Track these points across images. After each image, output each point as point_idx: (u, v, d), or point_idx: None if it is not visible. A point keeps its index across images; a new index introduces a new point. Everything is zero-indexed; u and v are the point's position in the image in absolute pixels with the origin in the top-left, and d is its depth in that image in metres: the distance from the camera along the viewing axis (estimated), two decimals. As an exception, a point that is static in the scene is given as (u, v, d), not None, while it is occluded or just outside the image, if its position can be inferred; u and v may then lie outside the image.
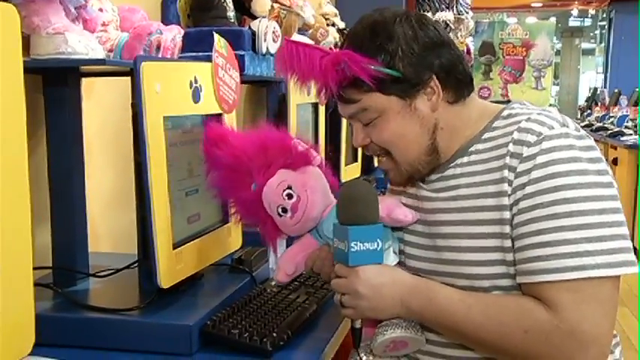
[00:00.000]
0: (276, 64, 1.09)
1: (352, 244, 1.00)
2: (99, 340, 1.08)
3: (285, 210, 1.09)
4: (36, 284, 0.86)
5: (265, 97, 2.21)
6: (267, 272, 1.44)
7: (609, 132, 6.26)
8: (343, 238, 1.01)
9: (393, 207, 1.08)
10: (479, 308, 0.99)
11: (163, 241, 1.11)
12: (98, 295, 1.20)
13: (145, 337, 1.08)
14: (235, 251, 1.41)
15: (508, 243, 1.00)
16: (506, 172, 1.00)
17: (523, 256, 0.98)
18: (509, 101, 1.12)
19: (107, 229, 1.56)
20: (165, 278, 1.12)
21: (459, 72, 1.06)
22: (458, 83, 1.07)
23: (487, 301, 1.01)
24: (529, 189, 0.97)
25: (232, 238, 1.41)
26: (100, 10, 1.29)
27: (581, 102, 10.02)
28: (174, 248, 1.15)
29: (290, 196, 1.09)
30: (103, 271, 1.27)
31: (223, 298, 1.20)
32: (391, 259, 1.10)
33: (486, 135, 1.06)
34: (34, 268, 0.83)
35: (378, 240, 1.02)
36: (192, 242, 1.22)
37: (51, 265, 1.24)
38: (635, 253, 0.98)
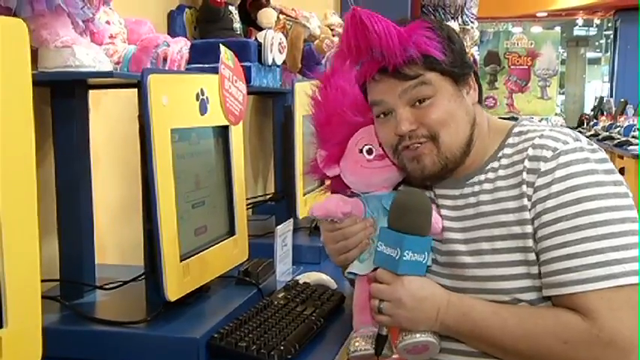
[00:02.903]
0: (344, 31, 1.07)
1: (405, 253, 1.01)
2: (106, 354, 1.08)
3: (370, 151, 1.13)
4: (43, 297, 0.85)
5: (271, 108, 2.21)
6: (274, 284, 1.44)
7: (616, 141, 6.24)
8: (395, 245, 1.01)
9: None
10: (515, 321, 1.01)
11: (170, 253, 1.11)
12: (105, 308, 1.20)
13: (152, 350, 1.07)
14: (242, 263, 1.40)
15: (532, 256, 1.02)
16: (524, 188, 1.03)
17: (550, 268, 0.99)
18: (515, 118, 1.14)
19: (114, 241, 1.56)
20: (173, 291, 1.11)
21: (478, 78, 1.13)
22: (479, 88, 1.13)
23: (522, 313, 1.02)
24: (550, 202, 1.00)
25: (239, 250, 1.40)
26: (108, 22, 1.30)
27: (588, 111, 10.00)
28: (181, 261, 1.15)
29: (370, 152, 1.13)
30: (110, 283, 1.26)
31: (230, 310, 1.20)
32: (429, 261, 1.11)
33: (501, 153, 1.09)
34: (41, 281, 0.83)
35: (426, 253, 1.03)
36: (199, 254, 1.22)
37: (58, 277, 1.24)
38: None
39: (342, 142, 1.15)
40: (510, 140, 1.09)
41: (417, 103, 1.05)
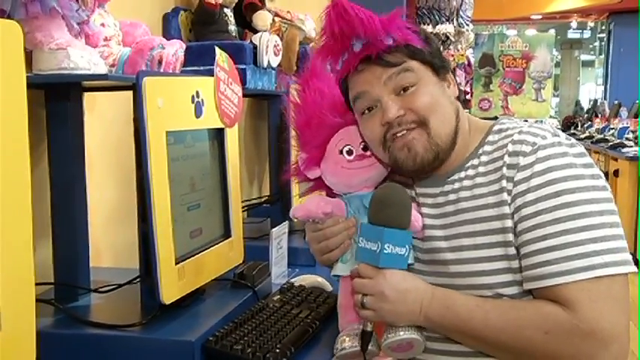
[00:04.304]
0: (325, 20, 1.08)
1: (386, 246, 1.01)
2: (100, 357, 1.07)
3: (350, 152, 1.13)
4: (37, 300, 0.85)
5: (267, 111, 2.21)
6: (270, 287, 1.44)
7: (610, 144, 6.27)
8: (375, 239, 1.02)
9: None
10: (497, 313, 1.01)
11: (165, 256, 1.11)
12: (100, 311, 1.20)
13: (147, 353, 1.07)
14: (237, 266, 1.40)
15: (512, 251, 1.03)
16: (504, 183, 1.04)
17: (531, 262, 1.00)
18: (496, 117, 1.17)
19: (109, 244, 1.55)
20: (168, 294, 1.11)
21: (454, 78, 1.15)
22: (457, 86, 1.15)
23: (504, 305, 1.03)
24: (530, 196, 1.01)
25: (234, 252, 1.40)
26: (103, 25, 1.29)
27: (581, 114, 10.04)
28: (176, 263, 1.15)
29: (350, 153, 1.14)
30: (104, 286, 1.26)
31: (225, 313, 1.20)
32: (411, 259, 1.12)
33: (481, 150, 1.10)
34: (36, 284, 0.83)
35: (407, 246, 1.03)
36: (194, 257, 1.22)
37: (52, 280, 1.23)
38: (637, 264, 1.00)
39: (323, 144, 1.16)
40: (490, 138, 1.11)
41: (402, 92, 1.07)
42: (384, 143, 1.08)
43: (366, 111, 1.10)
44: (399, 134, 1.07)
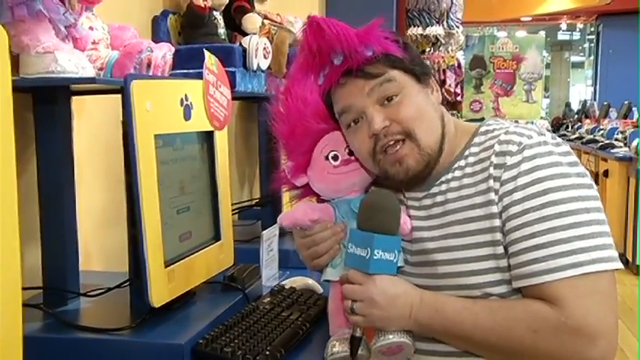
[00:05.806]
0: (302, 38, 1.08)
1: (375, 252, 1.01)
2: (90, 361, 1.07)
3: (336, 157, 1.14)
4: (25, 305, 0.85)
5: (256, 113, 2.21)
6: (260, 289, 1.44)
7: (599, 144, 6.30)
8: (365, 245, 1.02)
9: None
10: (485, 314, 1.02)
11: (155, 259, 1.11)
12: (89, 315, 1.19)
13: (137, 356, 1.06)
14: (227, 268, 1.40)
15: (500, 250, 1.03)
16: (491, 182, 1.05)
17: (519, 260, 1.01)
18: (483, 118, 1.17)
19: (98, 248, 1.54)
20: (157, 297, 1.11)
21: (437, 83, 1.15)
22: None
23: (492, 306, 1.03)
24: (517, 195, 1.02)
25: (224, 255, 1.40)
26: (91, 28, 1.29)
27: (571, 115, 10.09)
28: (165, 266, 1.14)
29: (336, 158, 1.14)
30: (93, 290, 1.25)
31: (216, 316, 1.20)
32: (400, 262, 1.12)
33: (467, 152, 1.11)
34: (24, 289, 0.82)
35: (396, 252, 1.04)
36: (184, 260, 1.22)
37: (41, 284, 1.23)
38: (628, 265, 1.01)
39: (308, 151, 1.16)
40: (477, 139, 1.11)
41: (386, 102, 1.06)
42: (374, 156, 1.08)
43: (352, 124, 1.09)
44: (389, 149, 1.07)
